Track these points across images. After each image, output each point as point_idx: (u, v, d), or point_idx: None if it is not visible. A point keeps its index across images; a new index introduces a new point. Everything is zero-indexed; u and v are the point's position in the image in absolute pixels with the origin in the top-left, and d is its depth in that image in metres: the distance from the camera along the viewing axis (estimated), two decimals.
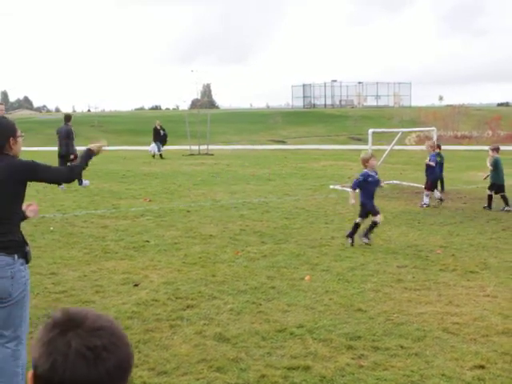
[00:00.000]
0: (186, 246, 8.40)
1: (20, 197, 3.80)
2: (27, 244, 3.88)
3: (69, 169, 4.16)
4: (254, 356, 4.62)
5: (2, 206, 3.71)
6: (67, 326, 1.11)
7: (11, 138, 3.74)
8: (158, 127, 25.89)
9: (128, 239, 8.78)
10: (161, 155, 25.34)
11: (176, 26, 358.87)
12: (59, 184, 16.83)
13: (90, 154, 4.15)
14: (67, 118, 15.42)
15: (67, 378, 1.07)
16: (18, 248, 3.74)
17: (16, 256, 3.70)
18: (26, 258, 3.80)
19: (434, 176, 12.40)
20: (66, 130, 14.92)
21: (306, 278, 6.77)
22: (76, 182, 15.02)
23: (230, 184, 15.69)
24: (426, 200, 12.06)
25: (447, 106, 55.69)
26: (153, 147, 25.70)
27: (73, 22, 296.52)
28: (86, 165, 4.14)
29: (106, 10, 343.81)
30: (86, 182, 15.08)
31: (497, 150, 11.94)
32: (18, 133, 3.83)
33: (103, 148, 4.26)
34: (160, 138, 25.82)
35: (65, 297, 6.07)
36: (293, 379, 4.23)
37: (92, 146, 4.21)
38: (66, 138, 14.82)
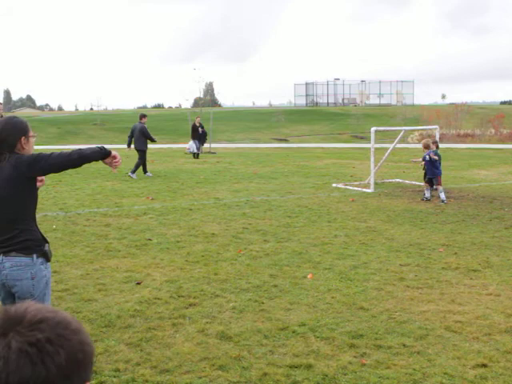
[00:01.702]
0: (188, 244, 8.41)
1: (31, 193, 3.63)
2: (47, 241, 3.74)
3: (70, 152, 3.72)
4: (256, 354, 4.63)
5: (14, 204, 3.57)
6: (7, 327, 1.02)
7: (23, 138, 3.60)
8: (198, 124, 24.30)
9: (130, 237, 8.79)
10: (198, 155, 23.79)
11: (176, 26, 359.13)
12: (133, 172, 17.10)
13: (104, 154, 3.71)
14: (142, 116, 17.15)
15: (13, 381, 0.98)
16: (37, 247, 3.62)
17: (35, 256, 3.60)
18: (45, 256, 3.67)
19: (439, 171, 12.58)
20: (140, 127, 16.71)
21: (309, 276, 6.77)
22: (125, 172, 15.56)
23: (232, 182, 15.69)
24: (442, 196, 12.26)
25: (450, 104, 55.60)
26: (191, 145, 24.10)
27: (75, 22, 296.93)
28: (92, 159, 3.70)
29: (107, 9, 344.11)
30: (149, 173, 16.87)
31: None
32: (31, 133, 3.68)
33: (114, 163, 3.79)
34: (199, 135, 24.13)
35: (67, 295, 6.09)
36: (295, 377, 4.23)
37: (114, 153, 3.77)
38: (139, 135, 16.58)
